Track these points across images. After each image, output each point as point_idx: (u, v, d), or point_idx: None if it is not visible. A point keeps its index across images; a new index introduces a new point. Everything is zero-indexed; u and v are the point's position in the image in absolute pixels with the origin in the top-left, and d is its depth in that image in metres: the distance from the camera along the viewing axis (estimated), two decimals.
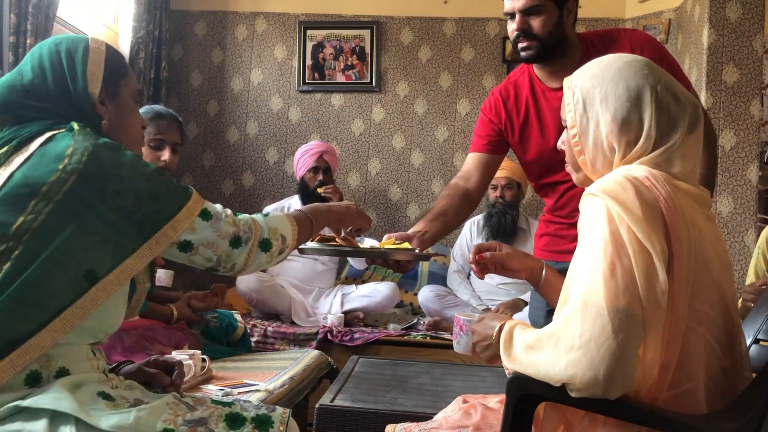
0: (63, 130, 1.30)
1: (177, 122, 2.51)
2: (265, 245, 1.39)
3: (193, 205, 1.32)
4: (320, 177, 3.84)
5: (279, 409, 1.31)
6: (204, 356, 2.17)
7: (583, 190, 1.23)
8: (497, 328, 1.20)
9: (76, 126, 1.30)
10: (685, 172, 1.19)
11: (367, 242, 1.91)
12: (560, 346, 1.06)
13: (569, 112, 1.25)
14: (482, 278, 1.63)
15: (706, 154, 1.86)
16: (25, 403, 1.16)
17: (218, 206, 1.38)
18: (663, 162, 1.18)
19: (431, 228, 1.98)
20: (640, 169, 1.15)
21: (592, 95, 1.21)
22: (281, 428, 1.26)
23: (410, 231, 1.94)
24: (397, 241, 1.83)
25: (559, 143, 1.34)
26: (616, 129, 1.19)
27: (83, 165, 1.23)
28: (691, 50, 3.81)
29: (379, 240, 1.88)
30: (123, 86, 1.43)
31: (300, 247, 1.70)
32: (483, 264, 1.53)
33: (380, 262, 1.79)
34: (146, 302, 1.36)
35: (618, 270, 1.05)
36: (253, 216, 1.42)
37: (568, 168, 1.33)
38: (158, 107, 2.54)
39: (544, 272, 1.52)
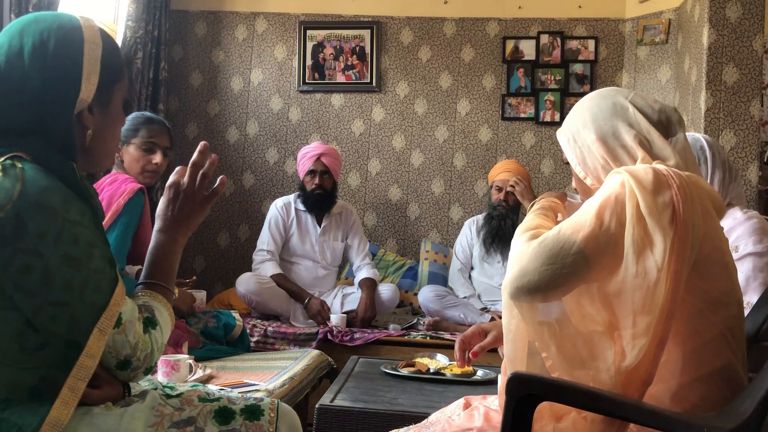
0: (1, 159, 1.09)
1: (167, 128, 2.69)
2: (148, 370, 1.20)
3: (111, 311, 1.10)
4: (317, 181, 3.79)
5: (267, 399, 1.29)
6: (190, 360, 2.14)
7: None
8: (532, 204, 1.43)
9: None
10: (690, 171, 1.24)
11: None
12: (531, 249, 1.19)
13: (567, 152, 1.37)
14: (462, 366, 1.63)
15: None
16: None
17: (134, 311, 1.16)
18: (669, 160, 1.25)
19: None
20: (659, 165, 1.23)
21: (575, 127, 1.35)
22: (272, 415, 1.24)
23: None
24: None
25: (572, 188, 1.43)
26: (602, 144, 1.29)
27: None
28: (691, 50, 3.81)
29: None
30: (116, 91, 1.23)
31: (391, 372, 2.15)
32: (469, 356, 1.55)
33: None
34: None
35: (606, 216, 1.15)
36: (155, 334, 1.20)
37: None
38: (147, 113, 2.74)
39: None
